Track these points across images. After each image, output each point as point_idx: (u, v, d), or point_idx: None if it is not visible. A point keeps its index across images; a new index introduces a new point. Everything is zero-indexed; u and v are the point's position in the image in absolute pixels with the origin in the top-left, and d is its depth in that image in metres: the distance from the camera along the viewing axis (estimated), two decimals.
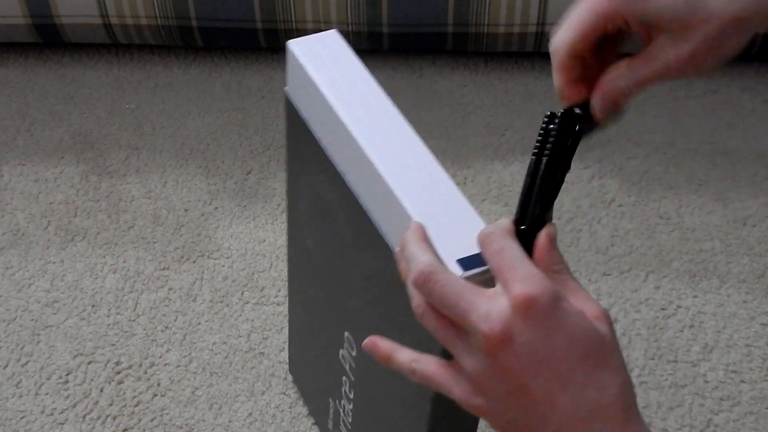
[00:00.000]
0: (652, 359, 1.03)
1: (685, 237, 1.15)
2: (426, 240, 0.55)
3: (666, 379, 1.02)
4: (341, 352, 0.79)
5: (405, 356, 0.55)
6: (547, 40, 1.32)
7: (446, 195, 0.58)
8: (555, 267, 0.53)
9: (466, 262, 0.54)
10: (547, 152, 0.52)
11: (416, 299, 0.54)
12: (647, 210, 1.19)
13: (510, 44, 1.32)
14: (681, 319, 1.07)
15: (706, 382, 1.01)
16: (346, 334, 0.76)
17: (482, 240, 0.52)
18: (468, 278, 0.53)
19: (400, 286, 0.58)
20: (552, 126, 0.53)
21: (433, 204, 0.57)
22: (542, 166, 0.52)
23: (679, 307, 1.08)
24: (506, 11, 1.27)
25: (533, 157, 0.53)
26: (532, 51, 1.34)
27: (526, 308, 0.48)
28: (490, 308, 0.49)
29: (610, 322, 0.51)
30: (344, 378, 0.80)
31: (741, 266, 1.12)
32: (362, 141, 0.61)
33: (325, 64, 0.66)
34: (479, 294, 0.50)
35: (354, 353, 0.76)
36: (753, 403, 1.00)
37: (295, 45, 0.68)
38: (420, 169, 0.60)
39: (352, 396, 0.80)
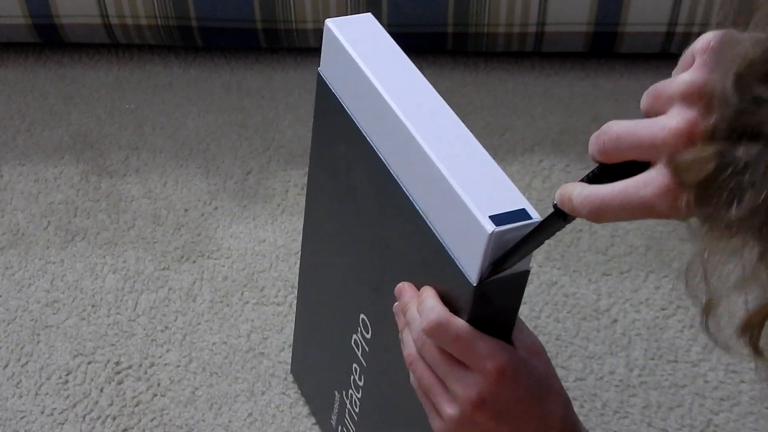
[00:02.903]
0: (652, 359, 1.03)
1: (686, 237, 1.15)
2: (438, 298, 0.62)
3: (666, 379, 1.02)
4: (354, 337, 0.79)
5: (409, 339, 0.64)
6: (547, 41, 1.32)
7: (480, 161, 0.62)
8: None
9: (497, 219, 0.57)
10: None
11: (409, 348, 0.64)
12: None
13: (510, 44, 1.32)
14: (681, 319, 1.07)
15: (706, 382, 1.01)
16: (362, 316, 0.77)
17: (433, 333, 0.60)
18: (498, 233, 0.57)
19: (427, 259, 0.63)
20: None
21: (466, 166, 0.61)
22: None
23: (679, 307, 1.08)
24: (506, 11, 1.27)
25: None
26: (532, 51, 1.34)
27: (499, 377, 0.59)
28: (467, 378, 0.60)
29: (545, 354, 0.63)
30: (354, 365, 0.81)
31: None
32: (398, 111, 0.64)
33: (362, 41, 0.69)
34: (460, 367, 0.60)
35: (369, 336, 0.77)
36: (753, 403, 1.00)
37: (333, 23, 0.70)
38: (454, 136, 0.63)
39: (361, 383, 0.81)
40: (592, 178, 0.51)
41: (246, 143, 1.27)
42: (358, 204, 0.74)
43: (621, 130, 0.49)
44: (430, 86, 0.66)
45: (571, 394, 1.00)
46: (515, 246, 0.57)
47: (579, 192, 0.50)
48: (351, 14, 1.28)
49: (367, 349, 0.78)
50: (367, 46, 0.68)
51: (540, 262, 1.10)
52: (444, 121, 0.64)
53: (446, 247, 0.61)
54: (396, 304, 0.67)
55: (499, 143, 1.24)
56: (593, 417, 0.98)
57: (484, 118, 1.28)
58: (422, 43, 1.33)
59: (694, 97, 0.45)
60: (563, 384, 1.01)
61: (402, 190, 0.65)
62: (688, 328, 1.06)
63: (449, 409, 0.61)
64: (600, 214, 0.49)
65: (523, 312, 1.06)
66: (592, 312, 1.07)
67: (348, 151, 0.73)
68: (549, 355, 1.05)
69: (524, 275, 0.60)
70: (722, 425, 0.98)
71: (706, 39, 0.47)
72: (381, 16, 1.27)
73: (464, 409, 0.60)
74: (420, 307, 0.62)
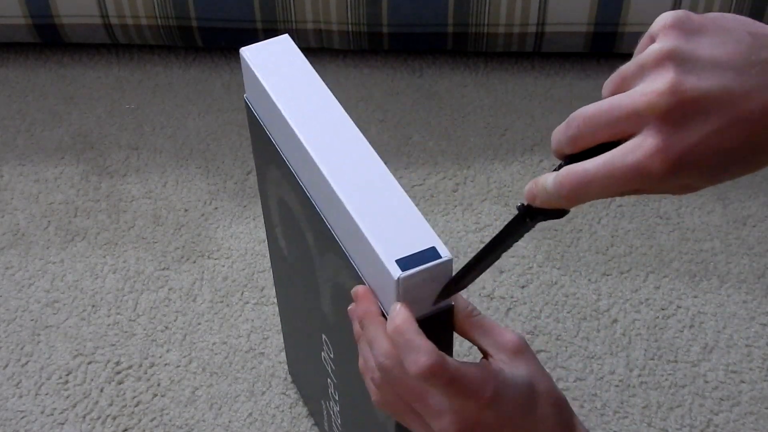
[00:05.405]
0: (652, 359, 1.03)
1: (685, 237, 1.15)
2: (381, 316, 0.58)
3: (666, 379, 1.02)
4: (322, 354, 0.79)
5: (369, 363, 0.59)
6: (547, 41, 1.32)
7: (389, 194, 0.59)
8: (473, 313, 0.59)
9: (404, 263, 0.55)
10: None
11: (371, 371, 0.58)
12: (647, 210, 1.19)
13: (510, 44, 1.32)
14: (681, 319, 1.07)
15: (706, 382, 1.01)
16: (324, 336, 0.76)
17: (431, 374, 0.54)
18: (406, 278, 0.55)
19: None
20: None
21: (375, 205, 0.58)
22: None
23: (679, 307, 1.08)
24: (506, 11, 1.27)
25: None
26: (532, 51, 1.34)
27: (479, 409, 0.55)
28: (443, 413, 0.55)
29: (528, 348, 0.58)
30: (329, 380, 0.80)
31: (741, 266, 1.12)
32: (308, 144, 0.62)
33: (275, 69, 0.67)
34: (433, 399, 0.55)
35: (332, 356, 0.76)
36: (753, 403, 1.00)
37: (247, 52, 0.69)
38: (365, 168, 0.60)
39: (337, 398, 0.80)
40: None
41: (246, 143, 1.27)
42: (295, 229, 0.72)
43: (595, 110, 0.49)
44: (343, 112, 0.64)
45: (571, 394, 1.00)
46: (473, 262, 0.55)
47: (554, 178, 0.49)
48: (351, 15, 1.28)
49: (334, 367, 0.77)
50: (280, 73, 0.67)
51: (540, 262, 1.10)
52: (355, 153, 0.61)
53: (368, 285, 0.59)
54: (350, 307, 0.61)
55: (499, 143, 1.24)
56: (593, 417, 0.98)
57: (484, 118, 1.28)
58: (422, 43, 1.33)
59: (666, 60, 0.47)
60: (564, 384, 1.01)
61: (326, 223, 0.64)
62: (688, 328, 1.06)
63: None
64: (582, 190, 0.48)
65: (523, 312, 1.06)
66: (592, 312, 1.07)
67: (280, 180, 0.71)
68: (549, 355, 1.05)
69: (449, 312, 0.58)
70: (722, 425, 0.98)
71: (664, 18, 0.48)
72: (381, 16, 1.28)
73: None
74: (401, 342, 0.56)
